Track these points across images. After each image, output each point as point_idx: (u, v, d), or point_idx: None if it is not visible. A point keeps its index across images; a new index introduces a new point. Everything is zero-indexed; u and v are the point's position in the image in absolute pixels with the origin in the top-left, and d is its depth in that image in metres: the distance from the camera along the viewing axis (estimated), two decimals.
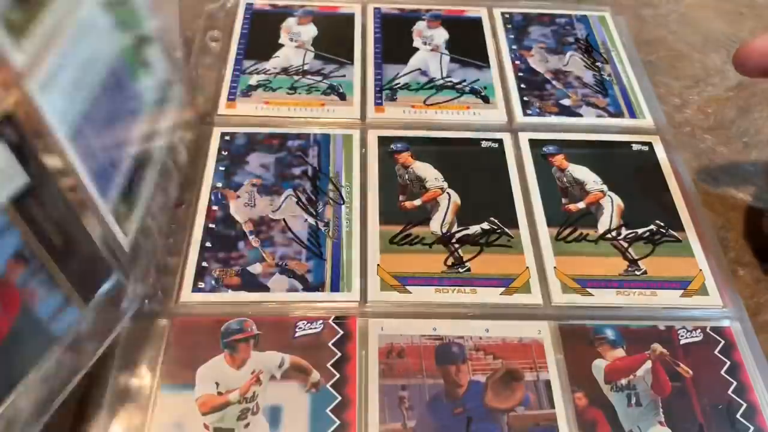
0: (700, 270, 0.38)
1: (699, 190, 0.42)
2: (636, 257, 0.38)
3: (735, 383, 0.34)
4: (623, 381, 0.33)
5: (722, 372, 0.34)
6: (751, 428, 0.32)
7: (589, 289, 0.37)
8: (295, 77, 0.47)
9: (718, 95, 0.51)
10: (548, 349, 0.34)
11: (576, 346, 0.34)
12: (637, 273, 0.38)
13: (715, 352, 0.35)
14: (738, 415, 0.32)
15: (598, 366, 0.34)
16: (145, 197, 0.33)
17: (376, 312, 0.35)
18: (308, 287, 0.36)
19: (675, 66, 0.53)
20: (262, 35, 0.50)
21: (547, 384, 0.33)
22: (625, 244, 0.39)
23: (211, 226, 0.38)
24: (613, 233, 0.40)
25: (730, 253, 0.41)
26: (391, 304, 0.36)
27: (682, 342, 0.35)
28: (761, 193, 0.44)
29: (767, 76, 0.38)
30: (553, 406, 0.32)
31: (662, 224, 0.40)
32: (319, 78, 0.47)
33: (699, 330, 0.35)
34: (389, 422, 0.32)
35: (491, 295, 0.36)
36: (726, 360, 0.34)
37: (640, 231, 0.40)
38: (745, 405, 0.33)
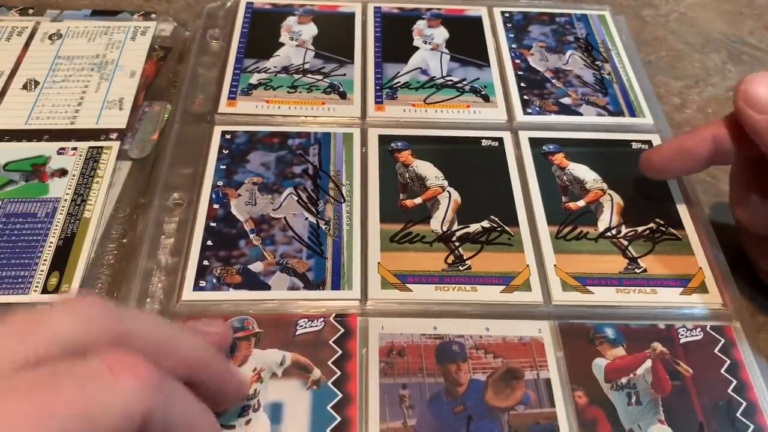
0: (700, 268, 0.38)
1: (698, 188, 0.42)
2: (636, 255, 0.38)
3: (735, 382, 0.34)
4: (623, 380, 0.33)
5: (722, 371, 0.34)
6: (751, 427, 0.32)
7: (589, 287, 0.37)
8: (296, 76, 0.47)
9: (718, 95, 0.51)
10: (548, 347, 0.34)
11: (576, 344, 0.35)
12: (637, 271, 0.38)
13: (715, 350, 0.35)
14: (738, 414, 0.32)
15: (599, 365, 0.34)
16: None
17: (376, 310, 0.35)
18: (309, 285, 0.36)
19: (675, 66, 0.53)
20: (262, 34, 0.50)
21: (548, 382, 0.33)
22: (625, 242, 0.39)
23: (212, 224, 0.38)
24: (613, 231, 0.40)
25: (730, 251, 0.41)
26: (392, 302, 0.36)
27: (682, 341, 0.35)
28: None
29: (673, 177, 0.41)
30: (553, 405, 0.32)
31: (662, 222, 0.40)
32: (319, 77, 0.47)
33: (699, 329, 0.35)
34: (390, 421, 0.32)
35: (491, 293, 0.36)
36: (726, 359, 0.34)
37: (639, 229, 0.40)
38: (744, 403, 0.33)
